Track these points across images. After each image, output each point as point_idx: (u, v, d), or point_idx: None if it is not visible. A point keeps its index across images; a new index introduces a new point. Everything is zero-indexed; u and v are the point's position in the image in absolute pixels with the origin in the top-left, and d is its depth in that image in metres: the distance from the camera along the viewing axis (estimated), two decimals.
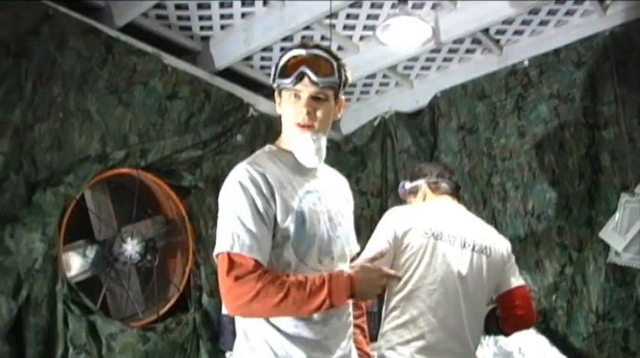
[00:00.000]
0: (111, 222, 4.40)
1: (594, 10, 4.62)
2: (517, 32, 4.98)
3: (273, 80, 2.34)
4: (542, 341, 4.38)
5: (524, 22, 4.83)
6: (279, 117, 2.33)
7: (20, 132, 3.84)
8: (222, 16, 4.76)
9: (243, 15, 4.78)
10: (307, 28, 4.78)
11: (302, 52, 2.31)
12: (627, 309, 4.25)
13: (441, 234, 3.00)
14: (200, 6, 4.59)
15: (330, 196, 2.34)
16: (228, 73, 5.23)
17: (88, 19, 4.31)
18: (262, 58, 5.25)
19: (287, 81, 2.26)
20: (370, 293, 2.23)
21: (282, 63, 2.33)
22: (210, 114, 4.94)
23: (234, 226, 2.09)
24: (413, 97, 5.75)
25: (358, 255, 2.74)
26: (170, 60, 4.75)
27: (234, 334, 4.07)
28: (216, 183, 4.91)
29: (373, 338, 3.00)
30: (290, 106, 2.29)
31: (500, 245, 3.15)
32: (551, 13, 4.70)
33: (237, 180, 2.15)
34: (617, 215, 4.30)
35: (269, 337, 2.13)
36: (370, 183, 5.83)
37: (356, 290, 2.15)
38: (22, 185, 3.83)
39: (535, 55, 4.95)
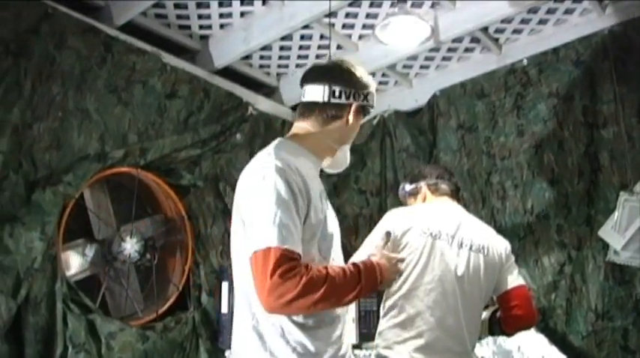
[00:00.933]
0: (110, 221, 4.40)
1: (593, 9, 4.61)
2: (516, 31, 4.98)
3: (371, 101, 2.47)
4: (542, 339, 4.37)
5: (523, 21, 4.82)
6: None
7: (19, 132, 3.84)
8: (221, 15, 4.76)
9: (243, 14, 4.78)
10: (306, 27, 4.78)
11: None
12: (626, 308, 4.25)
13: (439, 233, 3.00)
14: (199, 5, 4.59)
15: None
16: (228, 72, 5.23)
17: (87, 18, 4.31)
18: (261, 57, 5.26)
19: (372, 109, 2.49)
20: (392, 281, 2.50)
21: (374, 91, 2.49)
22: (210, 113, 4.94)
23: (278, 220, 2.02)
24: (412, 96, 5.75)
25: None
26: (169, 59, 4.75)
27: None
28: (215, 182, 4.93)
29: (371, 337, 3.02)
30: (358, 128, 2.47)
31: (499, 245, 3.16)
32: (550, 11, 4.70)
33: (275, 172, 2.09)
34: (616, 213, 4.29)
35: (286, 334, 2.10)
36: (369, 182, 5.82)
37: (383, 277, 2.29)
38: (21, 184, 3.83)
39: (534, 54, 4.95)
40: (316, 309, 2.05)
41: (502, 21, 4.78)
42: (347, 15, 4.75)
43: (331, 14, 4.52)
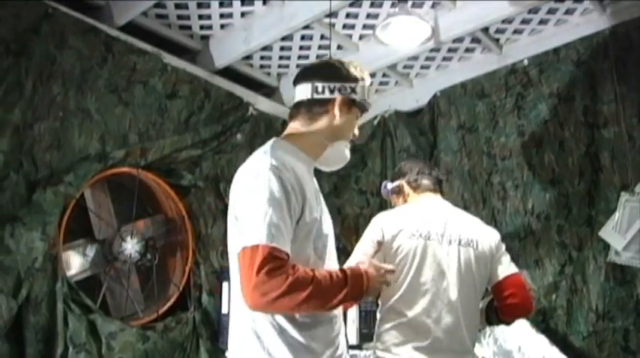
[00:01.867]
0: (111, 221, 4.40)
1: (594, 9, 4.61)
2: (517, 31, 4.98)
3: (361, 95, 2.40)
4: (542, 340, 4.37)
5: (524, 21, 4.82)
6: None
7: (20, 131, 3.85)
8: (221, 15, 4.76)
9: (243, 14, 4.78)
10: (307, 27, 4.78)
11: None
12: (627, 308, 4.24)
13: (429, 233, 2.99)
14: (200, 5, 4.60)
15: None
16: (228, 72, 5.23)
17: (87, 18, 4.32)
18: (262, 57, 5.26)
19: (367, 105, 2.42)
20: (376, 290, 2.30)
21: (367, 85, 2.44)
22: (210, 113, 4.95)
23: (268, 218, 2.01)
24: (413, 96, 5.75)
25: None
26: (170, 59, 4.76)
27: None
28: (215, 182, 4.92)
29: (372, 337, 3.02)
30: (354, 123, 2.42)
31: (488, 236, 3.14)
32: (550, 11, 4.70)
33: (269, 171, 2.09)
34: (616, 214, 4.30)
35: (284, 332, 2.08)
36: (370, 182, 5.83)
37: (370, 286, 2.18)
38: (22, 184, 3.83)
39: (535, 54, 4.94)
40: (300, 310, 2.05)
41: (503, 21, 4.78)
42: (347, 15, 4.75)
43: (332, 14, 4.52)
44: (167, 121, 4.66)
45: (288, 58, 5.28)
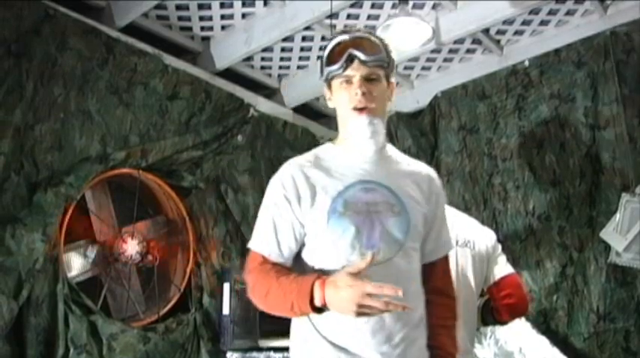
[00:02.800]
0: (111, 222, 4.39)
1: (595, 10, 4.62)
2: (517, 32, 4.99)
3: (322, 72, 2.28)
4: (543, 341, 4.37)
5: (525, 22, 4.83)
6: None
7: (21, 133, 3.84)
8: (222, 17, 4.77)
9: (244, 15, 4.79)
10: (308, 28, 4.79)
11: (345, 36, 2.27)
12: (628, 309, 4.24)
13: None
14: (200, 6, 4.60)
15: (390, 185, 2.23)
16: (229, 74, 5.23)
17: (88, 19, 4.32)
18: (263, 59, 5.27)
19: (336, 66, 2.20)
20: (345, 310, 1.91)
21: (327, 52, 2.27)
22: (211, 115, 4.94)
23: (259, 223, 2.24)
24: (413, 97, 5.75)
25: None
26: (171, 60, 4.75)
27: (234, 334, 4.09)
28: (216, 184, 4.92)
29: None
30: (343, 92, 2.23)
31: (484, 236, 3.16)
32: (551, 13, 4.70)
33: (277, 174, 2.26)
34: (617, 215, 4.29)
35: (315, 324, 2.10)
36: None
37: (325, 300, 1.93)
38: (23, 185, 3.82)
39: (536, 55, 4.93)
40: (269, 310, 2.15)
41: (503, 22, 4.79)
42: (348, 16, 4.76)
43: (332, 15, 4.52)
44: (168, 122, 4.66)
45: (289, 59, 5.28)
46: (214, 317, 4.63)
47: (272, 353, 4.30)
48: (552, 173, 4.70)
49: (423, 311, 2.20)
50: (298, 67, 5.40)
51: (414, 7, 4.58)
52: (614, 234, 4.30)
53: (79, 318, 3.91)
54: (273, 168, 5.34)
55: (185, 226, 4.73)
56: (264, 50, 5.06)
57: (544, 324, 4.49)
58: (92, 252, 4.31)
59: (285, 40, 4.94)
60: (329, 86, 2.29)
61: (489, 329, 4.30)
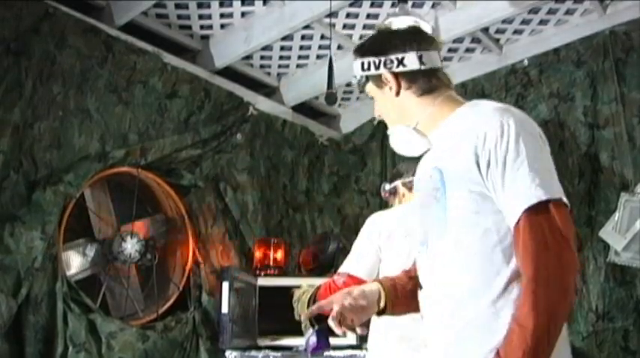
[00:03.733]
0: (110, 220, 4.39)
1: (594, 9, 4.62)
2: (517, 31, 4.98)
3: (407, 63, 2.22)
4: None
5: (524, 22, 4.82)
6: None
7: (20, 131, 3.83)
8: (222, 15, 4.75)
9: (243, 14, 4.77)
10: (307, 27, 4.77)
11: None
12: (627, 309, 4.24)
13: None
14: (200, 5, 4.59)
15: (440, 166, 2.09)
16: (228, 72, 5.22)
17: (88, 17, 4.31)
18: (262, 57, 5.25)
19: None
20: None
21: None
22: (210, 113, 4.94)
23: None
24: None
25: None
26: (170, 59, 4.74)
27: (233, 333, 4.08)
28: (215, 182, 4.92)
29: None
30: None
31: None
32: (550, 12, 4.69)
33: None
34: (616, 214, 4.29)
35: None
36: (369, 183, 5.84)
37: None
38: (22, 183, 3.82)
39: (535, 55, 4.94)
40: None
41: (503, 21, 4.78)
42: (348, 15, 4.74)
43: (332, 14, 4.51)
44: (167, 121, 4.65)
45: (289, 57, 5.27)
46: (213, 315, 4.63)
47: (270, 352, 4.30)
48: None
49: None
50: (297, 66, 5.39)
51: (414, 6, 4.58)
52: (613, 234, 4.30)
53: (77, 317, 3.90)
54: (272, 167, 5.40)
55: (184, 224, 4.73)
56: (264, 49, 5.05)
57: None
58: (91, 251, 4.31)
59: (284, 38, 4.93)
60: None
61: None
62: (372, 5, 4.63)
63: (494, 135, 1.89)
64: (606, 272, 4.36)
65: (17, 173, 3.81)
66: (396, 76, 2.15)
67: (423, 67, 2.13)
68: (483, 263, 1.91)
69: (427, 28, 4.25)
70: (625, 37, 4.51)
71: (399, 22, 4.14)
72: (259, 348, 4.41)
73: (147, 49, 4.60)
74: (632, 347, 4.20)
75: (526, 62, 4.97)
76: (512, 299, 1.84)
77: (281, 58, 5.27)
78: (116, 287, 4.43)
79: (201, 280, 4.69)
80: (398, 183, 3.42)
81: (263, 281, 4.68)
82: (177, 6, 4.57)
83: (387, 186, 3.50)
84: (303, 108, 5.89)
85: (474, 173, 1.92)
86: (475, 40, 5.07)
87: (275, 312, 4.52)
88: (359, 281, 3.27)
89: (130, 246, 4.34)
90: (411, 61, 2.14)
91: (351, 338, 4.48)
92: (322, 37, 4.95)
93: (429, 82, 2.15)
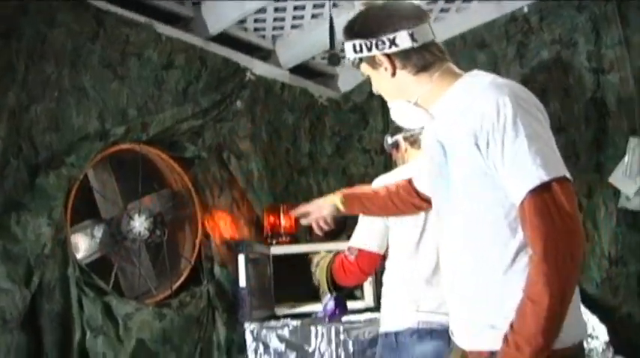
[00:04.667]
0: (116, 199, 4.32)
1: None
2: None
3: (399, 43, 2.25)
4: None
5: None
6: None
7: (16, 115, 3.71)
8: None
9: None
10: None
11: None
12: None
13: None
14: None
15: (442, 143, 2.19)
16: (222, 38, 5.09)
17: None
18: (256, 20, 5.11)
19: None
20: None
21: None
22: (208, 82, 4.83)
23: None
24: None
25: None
26: (163, 29, 4.61)
27: (252, 306, 4.08)
28: (218, 152, 4.85)
29: None
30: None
31: None
32: None
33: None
34: (626, 159, 4.26)
35: None
36: (373, 141, 5.78)
37: None
38: (24, 169, 3.72)
39: (534, 1, 4.84)
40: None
41: None
42: None
43: None
44: (165, 93, 4.54)
45: (283, 19, 5.13)
46: (227, 287, 4.60)
47: (289, 320, 4.29)
48: (557, 120, 4.62)
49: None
50: (292, 27, 5.26)
51: None
52: (624, 179, 4.27)
53: (92, 301, 3.86)
54: (273, 132, 5.34)
55: (191, 197, 4.66)
56: (258, 12, 4.91)
57: None
58: (99, 232, 4.24)
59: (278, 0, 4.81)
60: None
61: None
62: None
63: (490, 117, 1.94)
64: (617, 217, 4.33)
65: (17, 159, 3.70)
66: (390, 56, 2.19)
67: (415, 45, 2.15)
68: (491, 235, 2.03)
69: None
70: None
71: None
72: (278, 318, 4.41)
73: (139, 21, 4.44)
74: None
75: (526, 9, 4.86)
76: (520, 270, 1.96)
77: (275, 19, 5.13)
78: (127, 266, 4.38)
79: (212, 252, 4.64)
80: (399, 136, 3.41)
81: (276, 250, 4.64)
82: None
83: (389, 140, 3.49)
84: (300, 69, 5.78)
85: (473, 152, 2.00)
86: None
87: (290, 280, 4.53)
88: (371, 256, 3.30)
89: (139, 224, 4.28)
90: (403, 39, 2.15)
91: (368, 301, 4.50)
92: None
93: (423, 58, 2.19)
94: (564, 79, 4.64)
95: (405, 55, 2.18)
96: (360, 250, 3.35)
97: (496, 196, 2.00)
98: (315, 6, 4.97)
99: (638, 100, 4.31)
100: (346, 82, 6.07)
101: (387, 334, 3.17)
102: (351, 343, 4.04)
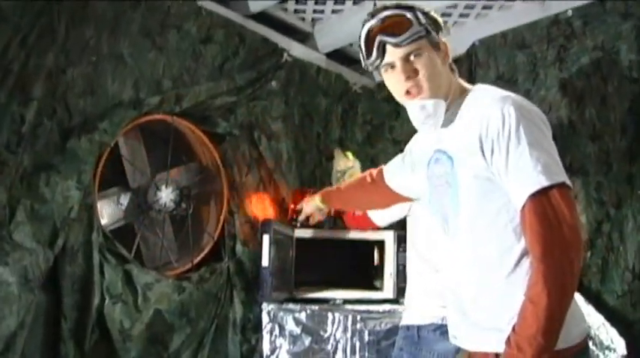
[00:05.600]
0: (145, 169, 4.32)
1: None
2: None
3: (365, 65, 2.32)
4: (577, 297, 4.33)
5: None
6: None
7: (53, 77, 3.70)
8: None
9: None
10: None
11: (372, 22, 2.26)
12: None
13: None
14: None
15: (448, 152, 2.29)
16: (262, 17, 5.06)
17: None
18: (297, 2, 5.09)
19: (373, 58, 2.25)
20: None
21: (362, 43, 2.30)
22: (245, 59, 4.80)
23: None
24: (450, 45, 5.61)
25: None
26: (204, 3, 4.59)
27: (272, 287, 4.11)
28: (250, 130, 4.83)
29: None
30: (390, 79, 2.30)
31: None
32: None
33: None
34: None
35: None
36: (404, 132, 5.73)
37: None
38: (56, 131, 3.71)
39: (579, 5, 4.78)
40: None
41: None
42: None
43: None
44: (201, 67, 4.52)
45: (324, 3, 5.11)
46: (247, 266, 4.59)
47: (307, 305, 4.28)
48: (592, 127, 4.59)
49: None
50: (333, 12, 5.23)
51: None
52: None
53: (114, 268, 3.87)
54: (306, 115, 5.33)
55: (219, 173, 4.64)
56: None
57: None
58: (125, 199, 4.24)
59: None
60: (379, 74, 2.35)
61: None
62: None
63: (496, 124, 2.08)
64: None
65: (51, 120, 3.69)
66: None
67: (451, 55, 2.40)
68: (497, 240, 2.14)
69: None
70: None
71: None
72: (296, 301, 4.40)
73: None
74: None
75: (570, 13, 4.80)
76: (524, 273, 2.08)
77: (317, 2, 5.11)
78: (150, 237, 4.39)
79: (236, 230, 4.63)
80: None
81: (299, 233, 4.63)
82: None
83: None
84: (337, 55, 5.75)
85: (479, 160, 2.13)
86: None
87: (311, 264, 4.53)
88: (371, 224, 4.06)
89: (165, 196, 4.28)
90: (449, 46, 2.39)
91: (387, 293, 4.49)
92: None
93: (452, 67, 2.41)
94: (603, 87, 4.58)
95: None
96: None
97: (501, 202, 2.13)
98: None
99: None
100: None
101: (409, 327, 3.16)
102: (367, 333, 4.05)
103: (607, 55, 4.60)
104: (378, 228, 4.39)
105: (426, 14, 2.27)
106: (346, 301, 4.38)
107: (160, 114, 4.27)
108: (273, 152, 4.98)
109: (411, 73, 2.23)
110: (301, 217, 3.99)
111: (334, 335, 4.09)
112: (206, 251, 4.55)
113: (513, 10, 5.15)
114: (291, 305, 4.28)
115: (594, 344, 4.09)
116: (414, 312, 3.19)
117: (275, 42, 5.08)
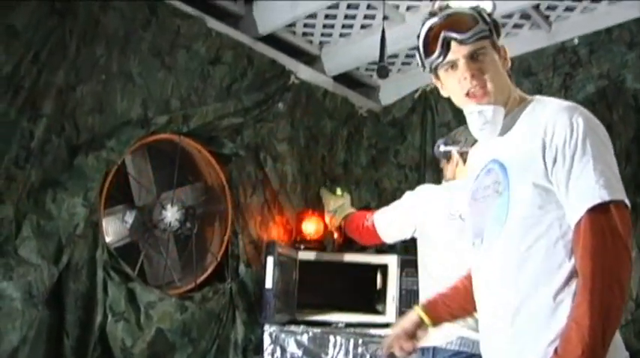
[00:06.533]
0: (150, 188, 4.34)
1: None
2: (568, 9, 4.83)
3: (423, 65, 2.22)
4: None
5: None
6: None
7: (62, 94, 3.73)
8: None
9: None
10: None
11: (434, 20, 2.16)
12: None
13: None
14: None
15: (502, 160, 2.17)
16: (269, 39, 5.10)
17: None
18: (305, 25, 5.13)
19: (435, 55, 2.14)
20: None
21: (421, 41, 2.19)
22: (253, 81, 4.83)
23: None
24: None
25: None
26: (213, 24, 4.63)
27: (275, 308, 4.09)
28: (256, 152, 4.85)
29: None
30: (451, 79, 2.16)
31: None
32: None
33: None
34: None
35: None
36: (409, 157, 5.77)
37: None
38: (64, 148, 3.74)
39: (586, 34, 4.81)
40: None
41: None
42: None
43: None
44: (209, 87, 4.56)
45: (332, 26, 5.15)
46: (250, 287, 4.59)
47: (309, 327, 4.27)
48: None
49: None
50: (341, 35, 5.27)
51: None
52: None
53: (117, 285, 3.87)
54: (311, 137, 5.35)
55: (224, 194, 4.66)
56: (308, 17, 4.93)
57: None
58: (130, 217, 4.25)
59: (330, 7, 4.80)
60: (437, 76, 2.23)
61: None
62: None
63: (563, 132, 1.95)
64: None
65: (59, 137, 3.72)
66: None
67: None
68: (546, 257, 1.98)
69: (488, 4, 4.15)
70: None
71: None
72: (298, 323, 4.39)
73: (191, 14, 4.47)
74: None
75: (576, 41, 4.85)
76: (572, 293, 1.91)
77: (324, 26, 5.15)
78: (154, 255, 4.39)
79: (239, 251, 4.63)
80: (453, 149, 3.35)
81: (303, 255, 4.63)
82: None
83: (442, 147, 3.44)
84: (343, 78, 5.78)
85: (539, 167, 1.99)
86: (524, 16, 4.93)
87: (314, 287, 4.53)
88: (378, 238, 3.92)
89: (170, 215, 4.29)
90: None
91: (390, 317, 4.47)
92: (368, 6, 4.82)
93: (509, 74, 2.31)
94: (608, 115, 4.60)
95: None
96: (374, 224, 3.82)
97: (555, 215, 1.99)
98: (365, 16, 4.98)
99: None
100: (387, 95, 6.06)
101: (423, 350, 3.08)
102: (368, 356, 4.04)
103: (612, 84, 4.63)
104: (382, 245, 4.35)
105: (489, 15, 2.20)
106: (348, 324, 4.38)
107: (167, 133, 4.30)
108: (278, 173, 5.00)
109: (476, 71, 2.12)
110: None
111: None
112: (209, 271, 4.55)
113: (520, 37, 5.18)
114: (293, 327, 4.28)
115: None
116: (428, 333, 3.15)
117: (283, 64, 5.12)
